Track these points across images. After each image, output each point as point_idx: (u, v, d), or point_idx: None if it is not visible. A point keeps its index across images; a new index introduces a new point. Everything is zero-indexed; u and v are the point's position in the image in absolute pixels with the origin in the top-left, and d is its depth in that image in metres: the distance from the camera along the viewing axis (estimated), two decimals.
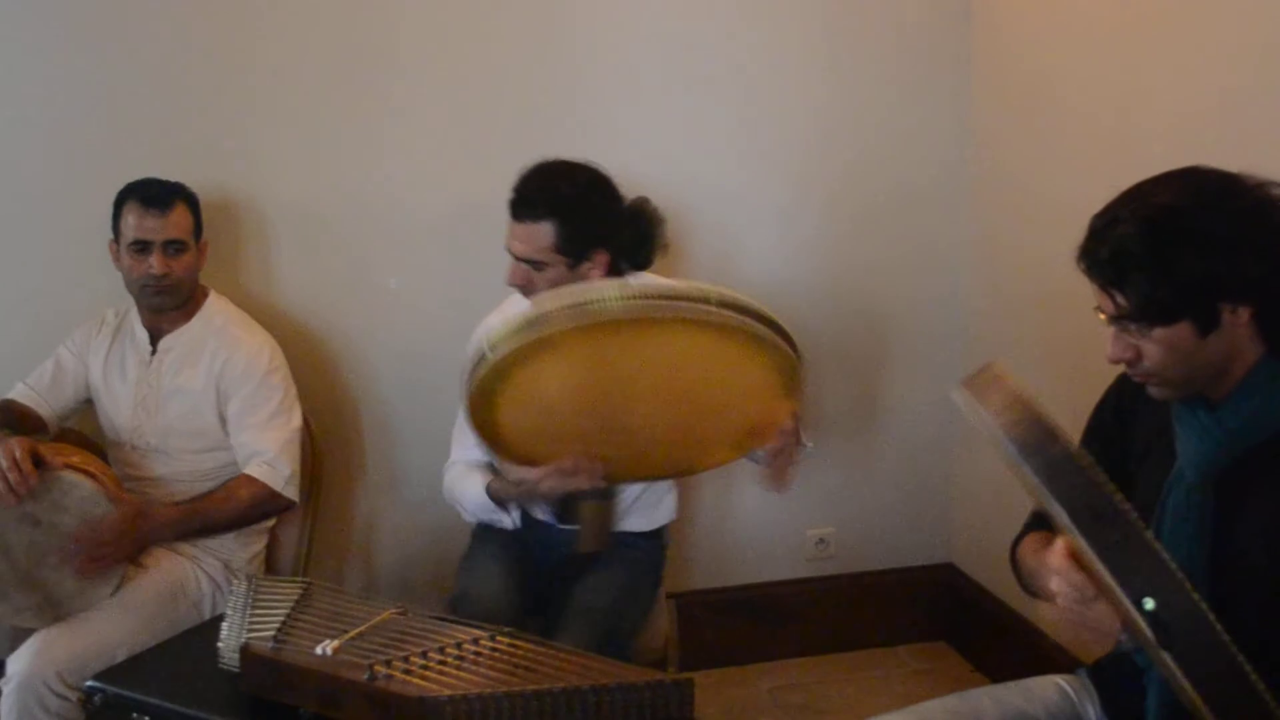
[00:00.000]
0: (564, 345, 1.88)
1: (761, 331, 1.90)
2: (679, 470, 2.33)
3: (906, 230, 3.12)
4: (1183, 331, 1.47)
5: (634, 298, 1.84)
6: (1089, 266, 1.52)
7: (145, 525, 2.29)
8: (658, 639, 2.45)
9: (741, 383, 1.98)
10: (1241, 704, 1.18)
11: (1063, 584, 1.45)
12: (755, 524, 3.20)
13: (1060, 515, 1.23)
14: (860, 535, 3.25)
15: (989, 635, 3.12)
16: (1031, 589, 1.70)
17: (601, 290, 1.86)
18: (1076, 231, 1.54)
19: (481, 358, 1.89)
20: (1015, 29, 2.90)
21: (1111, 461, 1.74)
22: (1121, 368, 1.60)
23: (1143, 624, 1.20)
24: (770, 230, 3.05)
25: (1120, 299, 1.49)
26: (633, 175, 2.89)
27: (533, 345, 1.86)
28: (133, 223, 2.42)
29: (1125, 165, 1.58)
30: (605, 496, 2.30)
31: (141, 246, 2.43)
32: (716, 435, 2.14)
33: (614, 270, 2.34)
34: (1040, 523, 1.81)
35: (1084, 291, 1.56)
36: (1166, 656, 1.19)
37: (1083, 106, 2.63)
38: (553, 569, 2.40)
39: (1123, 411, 1.74)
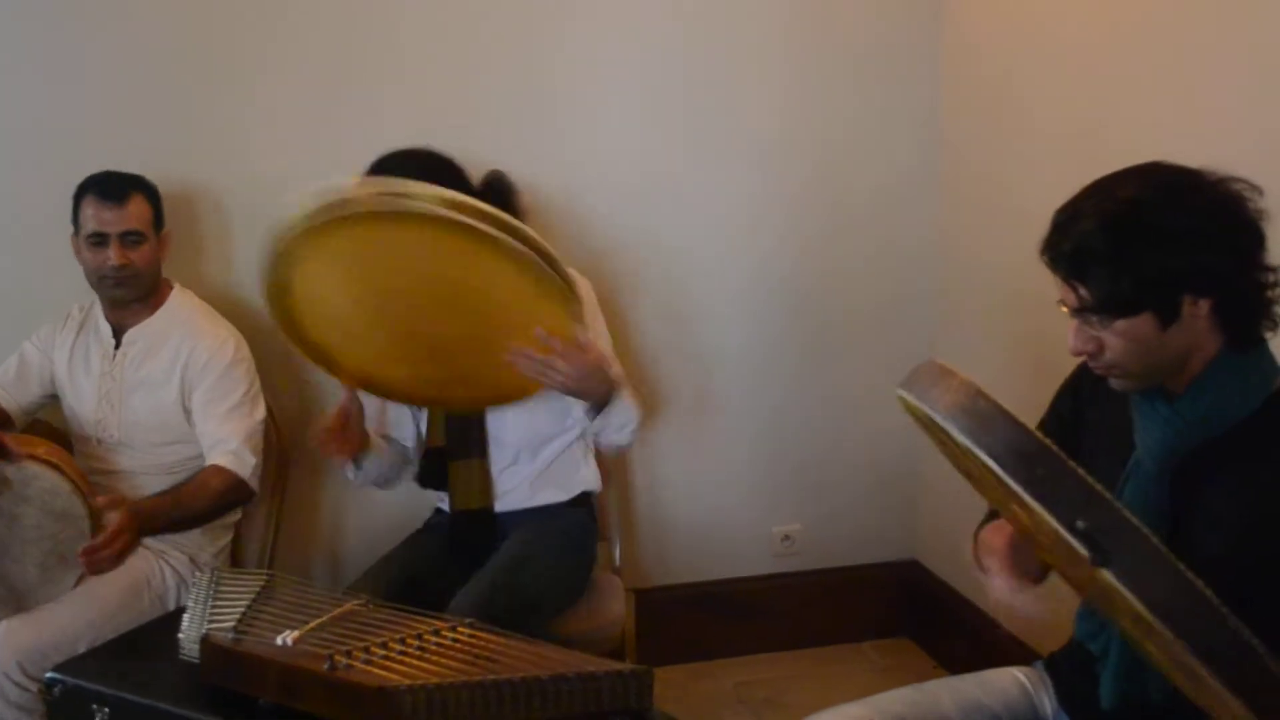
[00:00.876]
0: (318, 243, 1.93)
1: (497, 236, 1.89)
2: (498, 389, 2.30)
3: (873, 230, 3.14)
4: (1144, 323, 1.49)
5: (373, 191, 1.88)
6: (1052, 260, 1.54)
7: (140, 523, 2.27)
8: (614, 630, 2.46)
9: (501, 290, 1.99)
10: (1186, 608, 1.18)
11: (994, 564, 1.57)
12: (721, 520, 3.21)
13: (991, 465, 1.25)
14: (826, 532, 3.27)
15: (953, 631, 3.14)
16: (982, 567, 1.73)
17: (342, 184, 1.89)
18: (1040, 232, 1.56)
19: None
20: (983, 35, 2.92)
21: (1068, 451, 1.77)
22: (1083, 359, 1.62)
23: (1079, 548, 1.20)
24: (738, 229, 3.06)
25: (1083, 291, 1.51)
26: (601, 175, 2.92)
27: (299, 238, 1.93)
28: (90, 215, 2.42)
29: (1089, 168, 1.59)
30: (466, 455, 2.41)
31: (99, 239, 2.42)
32: (508, 349, 2.12)
33: None
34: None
35: (1047, 290, 1.58)
36: (1108, 575, 1.20)
37: (1048, 111, 2.66)
38: (466, 559, 2.41)
39: (1081, 401, 1.76)
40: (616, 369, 2.34)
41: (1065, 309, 1.56)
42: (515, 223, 1.93)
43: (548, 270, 1.97)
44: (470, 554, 2.40)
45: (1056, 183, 1.59)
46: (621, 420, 2.28)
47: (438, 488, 2.51)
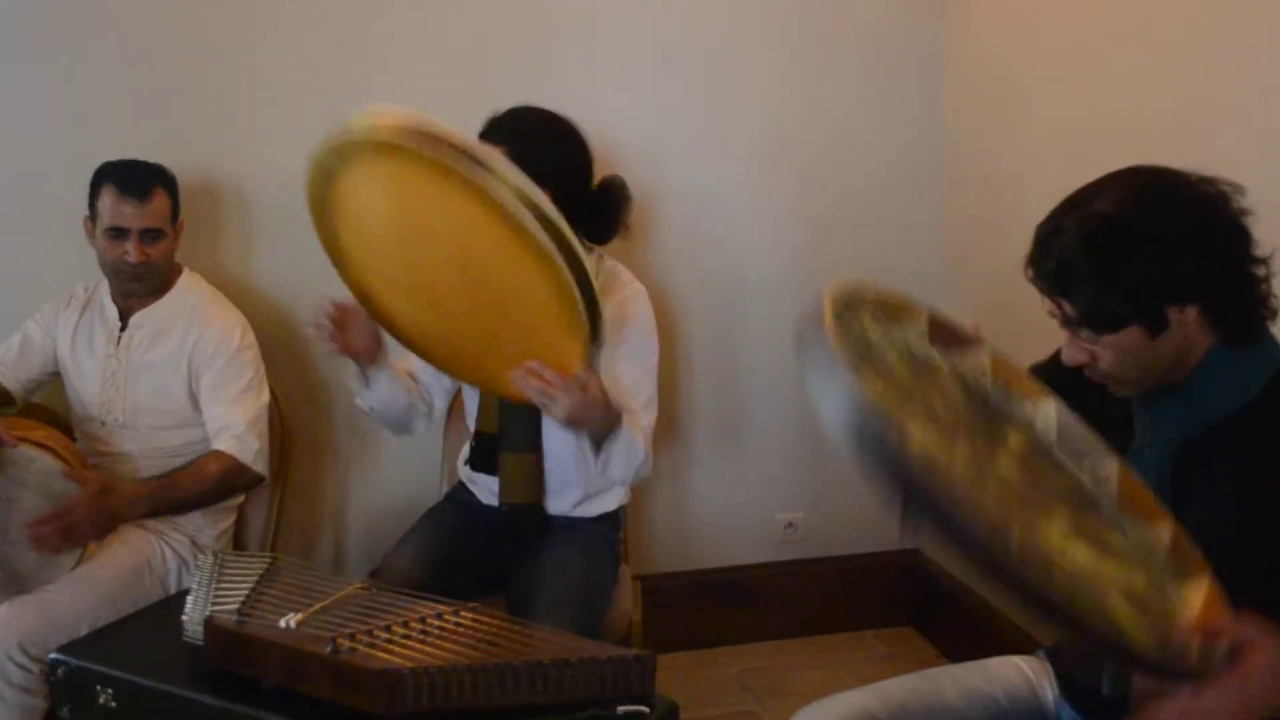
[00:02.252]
0: (373, 161, 1.85)
1: (550, 249, 1.83)
2: (487, 377, 2.22)
3: (876, 220, 3.14)
4: (1133, 335, 1.49)
5: (442, 143, 1.78)
6: (1036, 276, 1.54)
7: (113, 502, 2.25)
8: (622, 619, 2.45)
9: (530, 293, 1.91)
10: None
11: None
12: (725, 508, 3.21)
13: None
14: (829, 520, 3.27)
15: (955, 620, 3.15)
16: None
17: (422, 121, 1.80)
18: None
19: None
20: (986, 26, 2.92)
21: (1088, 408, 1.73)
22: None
23: None
24: (739, 220, 3.07)
25: (1068, 308, 1.51)
26: (605, 155, 2.90)
27: (346, 147, 1.84)
28: (110, 206, 2.39)
29: (1089, 158, 1.59)
30: (518, 448, 2.35)
31: (118, 233, 2.41)
32: (515, 349, 2.05)
33: None
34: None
35: None
36: None
37: (1050, 103, 2.67)
38: (505, 548, 2.40)
39: (1084, 390, 1.75)
40: (639, 399, 2.27)
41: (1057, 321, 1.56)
42: (575, 247, 1.85)
43: (582, 308, 1.89)
44: (517, 544, 2.39)
45: (1058, 175, 1.59)
46: (623, 458, 2.20)
47: (487, 473, 2.44)
